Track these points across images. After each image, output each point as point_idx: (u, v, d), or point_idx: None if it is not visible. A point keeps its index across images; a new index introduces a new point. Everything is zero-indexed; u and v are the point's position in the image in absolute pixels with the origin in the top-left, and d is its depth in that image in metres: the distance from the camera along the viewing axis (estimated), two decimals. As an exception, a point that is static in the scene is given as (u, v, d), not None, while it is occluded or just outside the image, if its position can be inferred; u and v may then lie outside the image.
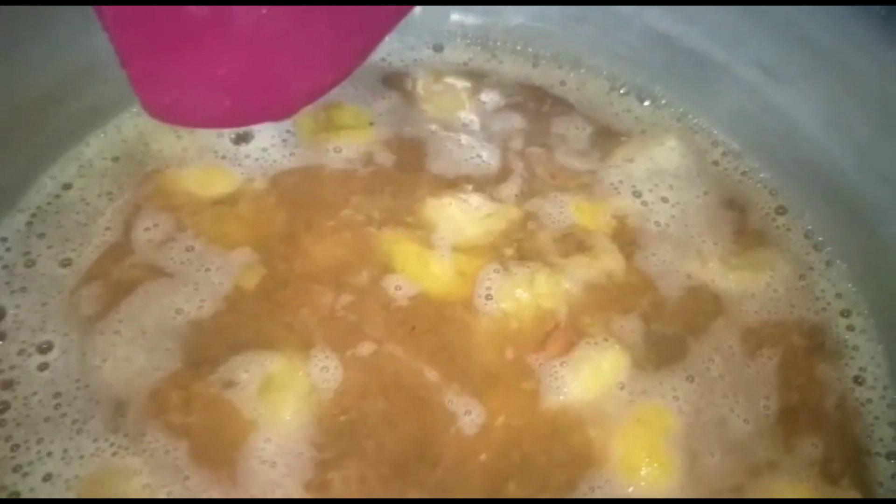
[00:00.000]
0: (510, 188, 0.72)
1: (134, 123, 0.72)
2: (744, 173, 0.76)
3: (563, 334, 0.64)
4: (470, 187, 0.71)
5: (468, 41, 0.83)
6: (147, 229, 0.67)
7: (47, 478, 0.55)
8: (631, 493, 0.58)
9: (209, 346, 0.61)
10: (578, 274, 0.67)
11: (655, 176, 0.74)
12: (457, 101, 0.78)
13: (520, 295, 0.65)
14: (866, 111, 0.67)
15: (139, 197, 0.69)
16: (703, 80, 0.76)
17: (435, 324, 0.64)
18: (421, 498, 0.57)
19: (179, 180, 0.70)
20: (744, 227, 0.72)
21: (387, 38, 0.69)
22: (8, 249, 0.65)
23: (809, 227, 0.73)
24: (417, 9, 0.73)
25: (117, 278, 0.65)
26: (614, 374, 0.63)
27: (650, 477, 0.58)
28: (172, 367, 0.60)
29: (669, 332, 0.66)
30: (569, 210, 0.71)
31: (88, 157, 0.71)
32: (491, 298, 0.65)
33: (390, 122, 0.75)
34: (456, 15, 0.83)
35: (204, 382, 0.60)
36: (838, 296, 0.69)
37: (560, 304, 0.66)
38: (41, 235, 0.66)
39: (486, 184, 0.72)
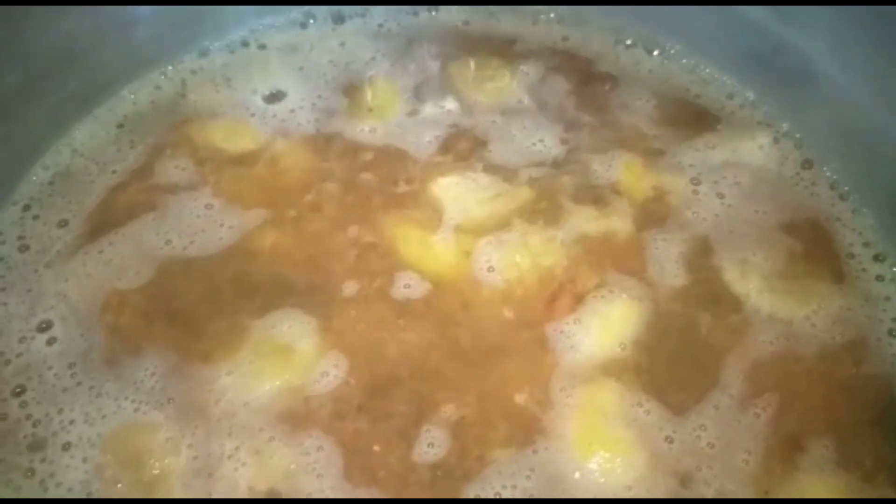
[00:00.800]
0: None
1: (171, 78, 0.74)
2: (831, 202, 0.70)
3: (567, 293, 0.63)
4: (480, 166, 0.69)
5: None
6: (174, 168, 0.69)
7: (66, 447, 0.56)
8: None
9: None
10: (578, 225, 0.66)
11: (725, 169, 0.70)
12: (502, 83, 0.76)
13: (519, 260, 0.64)
14: None
15: (167, 142, 0.70)
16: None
17: (440, 304, 0.63)
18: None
19: (208, 132, 0.71)
20: (805, 254, 0.67)
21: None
22: (3, 243, 0.65)
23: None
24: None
25: (121, 204, 0.66)
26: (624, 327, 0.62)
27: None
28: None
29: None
30: (617, 165, 0.70)
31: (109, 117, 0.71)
32: (493, 270, 0.64)
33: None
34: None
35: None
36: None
37: (559, 258, 0.64)
38: (36, 217, 0.66)
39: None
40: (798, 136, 0.72)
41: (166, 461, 0.55)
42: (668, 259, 0.65)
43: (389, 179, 0.69)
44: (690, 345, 0.62)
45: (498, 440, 0.57)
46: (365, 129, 0.72)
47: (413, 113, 0.73)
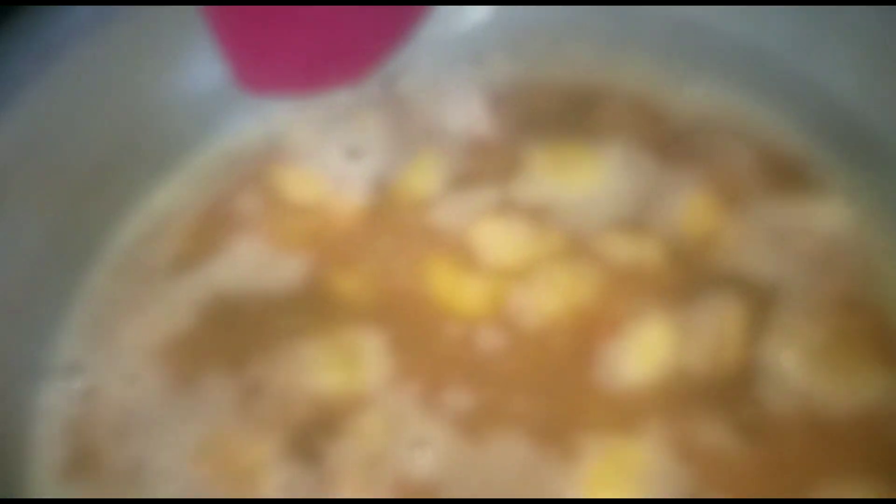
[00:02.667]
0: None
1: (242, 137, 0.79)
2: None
3: (600, 327, 0.66)
4: (519, 209, 0.72)
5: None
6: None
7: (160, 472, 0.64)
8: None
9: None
10: (606, 256, 0.68)
11: (795, 231, 0.70)
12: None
13: (550, 303, 0.67)
14: None
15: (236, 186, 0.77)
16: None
17: (479, 352, 0.66)
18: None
19: (282, 177, 0.77)
20: (861, 336, 0.65)
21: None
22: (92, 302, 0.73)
23: None
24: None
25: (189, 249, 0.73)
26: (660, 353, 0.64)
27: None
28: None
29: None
30: (685, 195, 0.71)
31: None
32: (524, 313, 0.67)
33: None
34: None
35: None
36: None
37: (588, 293, 0.67)
38: (120, 276, 0.74)
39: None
40: (880, 212, 0.70)
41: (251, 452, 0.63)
42: (698, 304, 0.67)
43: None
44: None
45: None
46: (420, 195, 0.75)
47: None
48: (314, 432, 0.64)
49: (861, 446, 0.61)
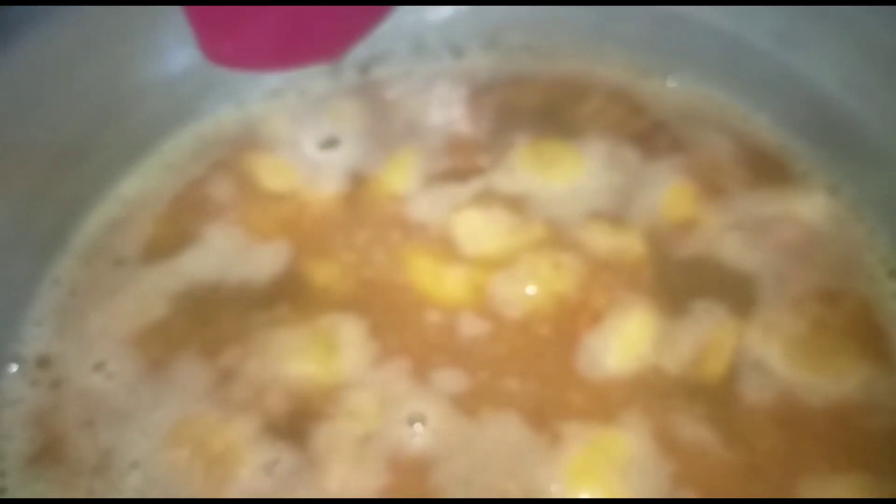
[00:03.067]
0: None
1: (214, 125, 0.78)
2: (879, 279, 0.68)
3: (582, 315, 0.66)
4: (499, 200, 0.72)
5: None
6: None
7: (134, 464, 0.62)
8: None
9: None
10: (586, 245, 0.68)
11: (773, 222, 0.71)
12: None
13: (531, 292, 0.67)
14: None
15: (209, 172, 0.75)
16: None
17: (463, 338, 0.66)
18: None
19: (256, 164, 0.76)
20: (842, 328, 0.65)
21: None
22: (60, 290, 0.71)
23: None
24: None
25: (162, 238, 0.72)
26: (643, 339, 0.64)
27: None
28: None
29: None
30: (667, 183, 0.72)
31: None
32: (508, 303, 0.67)
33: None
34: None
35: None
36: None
37: (569, 282, 0.67)
38: (88, 263, 0.72)
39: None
40: (860, 204, 0.71)
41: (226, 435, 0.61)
42: (677, 288, 0.67)
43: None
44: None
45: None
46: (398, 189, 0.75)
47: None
48: (296, 416, 0.63)
49: (841, 439, 0.61)
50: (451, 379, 0.64)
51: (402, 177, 0.74)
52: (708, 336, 0.64)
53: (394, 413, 0.62)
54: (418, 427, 0.62)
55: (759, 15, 0.73)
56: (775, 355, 0.64)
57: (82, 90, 0.70)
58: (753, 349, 0.64)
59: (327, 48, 0.74)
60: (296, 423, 0.62)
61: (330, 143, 0.77)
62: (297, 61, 0.75)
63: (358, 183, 0.74)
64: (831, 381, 0.63)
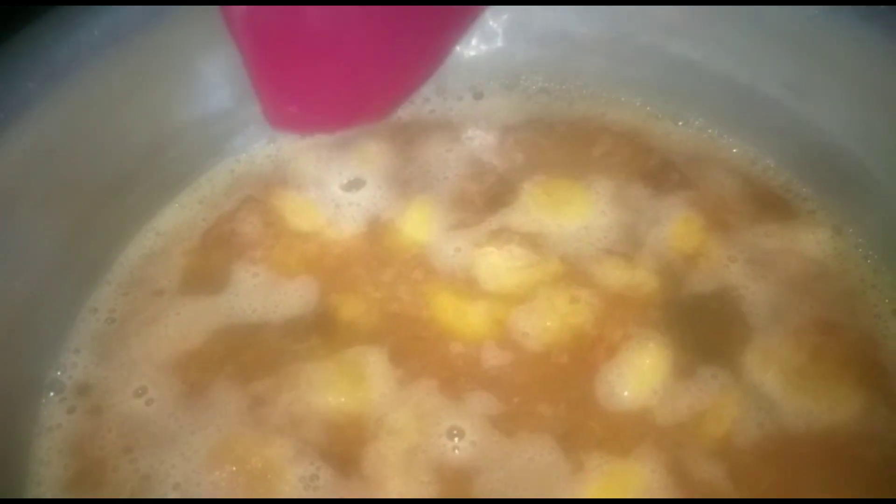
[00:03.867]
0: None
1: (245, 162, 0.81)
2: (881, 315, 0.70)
3: (598, 348, 0.69)
4: (516, 237, 0.75)
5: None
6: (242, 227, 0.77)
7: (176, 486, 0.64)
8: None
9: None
10: (602, 280, 0.71)
11: (776, 255, 0.74)
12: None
13: (550, 325, 0.70)
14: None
15: (238, 207, 0.78)
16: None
17: (488, 366, 0.68)
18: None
19: (283, 201, 0.79)
20: (839, 359, 0.68)
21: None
22: (98, 319, 0.73)
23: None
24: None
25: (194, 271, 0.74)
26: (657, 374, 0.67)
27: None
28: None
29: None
30: (677, 217, 0.75)
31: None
32: (528, 336, 0.70)
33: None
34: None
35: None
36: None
37: (586, 315, 0.70)
38: (125, 294, 0.74)
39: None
40: (864, 244, 0.74)
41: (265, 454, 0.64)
42: (685, 322, 0.70)
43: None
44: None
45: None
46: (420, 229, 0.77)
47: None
48: (334, 439, 0.66)
49: (840, 469, 0.64)
50: (483, 401, 0.67)
51: (422, 218, 0.77)
52: (711, 400, 0.67)
53: (432, 427, 0.65)
54: (457, 441, 0.65)
55: (769, 63, 0.76)
56: (772, 381, 0.67)
57: (125, 128, 0.73)
58: (754, 378, 0.67)
59: (380, 108, 0.79)
60: (335, 444, 0.65)
61: (354, 184, 0.80)
62: (353, 122, 0.81)
63: (380, 223, 0.77)
64: (827, 409, 0.66)
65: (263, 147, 0.82)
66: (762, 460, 0.64)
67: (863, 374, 0.67)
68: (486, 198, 0.79)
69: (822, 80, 0.73)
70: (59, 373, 0.70)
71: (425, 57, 0.79)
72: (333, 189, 0.80)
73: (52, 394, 0.69)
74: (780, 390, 0.66)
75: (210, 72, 0.77)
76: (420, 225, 0.77)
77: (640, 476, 0.63)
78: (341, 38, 0.72)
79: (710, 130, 0.82)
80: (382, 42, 0.73)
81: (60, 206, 0.70)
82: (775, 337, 0.69)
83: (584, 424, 0.66)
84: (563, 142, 0.82)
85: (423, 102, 0.85)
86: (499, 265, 0.74)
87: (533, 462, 0.64)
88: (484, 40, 0.85)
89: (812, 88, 0.74)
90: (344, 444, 0.65)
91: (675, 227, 0.75)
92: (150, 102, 0.74)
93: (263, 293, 0.73)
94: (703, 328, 0.70)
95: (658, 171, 0.79)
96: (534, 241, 0.75)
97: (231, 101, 0.79)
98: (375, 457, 0.65)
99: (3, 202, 0.65)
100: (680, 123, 0.83)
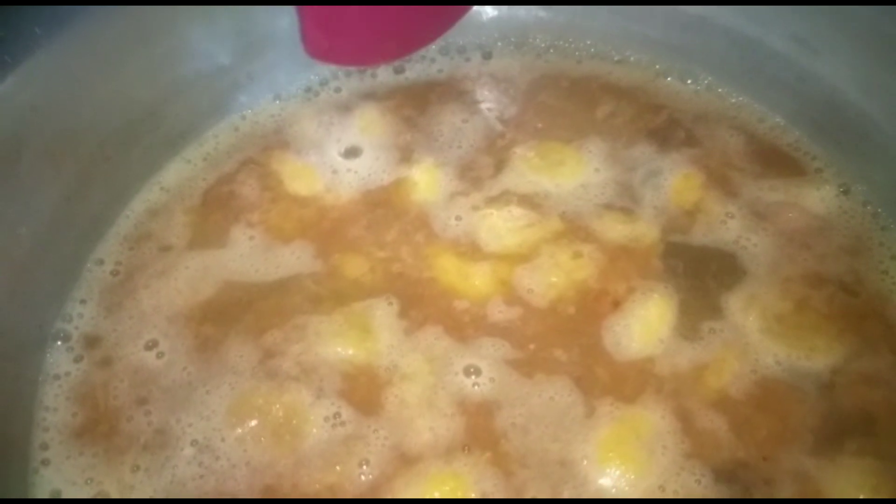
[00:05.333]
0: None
1: (251, 119, 0.81)
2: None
3: (604, 301, 0.69)
4: (515, 198, 0.75)
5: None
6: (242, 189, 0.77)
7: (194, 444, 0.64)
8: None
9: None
10: (603, 234, 0.72)
11: (778, 207, 0.74)
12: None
13: (555, 280, 0.70)
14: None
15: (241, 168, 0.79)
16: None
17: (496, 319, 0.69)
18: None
19: (282, 165, 0.79)
20: (824, 312, 0.69)
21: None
22: (105, 270, 0.73)
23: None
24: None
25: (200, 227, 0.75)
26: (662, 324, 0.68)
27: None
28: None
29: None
30: (678, 172, 0.76)
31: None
32: (533, 292, 0.70)
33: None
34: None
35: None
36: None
37: (589, 270, 0.70)
38: (132, 248, 0.74)
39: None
40: (870, 198, 0.75)
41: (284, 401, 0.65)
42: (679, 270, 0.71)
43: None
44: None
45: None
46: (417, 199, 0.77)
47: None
48: (349, 387, 0.66)
49: (816, 412, 0.65)
50: (496, 347, 0.68)
51: (424, 182, 0.78)
52: (711, 355, 0.68)
53: (446, 368, 0.67)
54: (475, 378, 0.66)
55: (778, 19, 0.77)
56: (752, 326, 0.68)
57: (130, 79, 0.73)
58: (736, 321, 0.68)
59: (409, 45, 0.81)
60: (352, 390, 0.66)
61: (352, 151, 0.80)
62: (383, 58, 0.82)
63: (379, 189, 0.78)
64: (803, 357, 0.67)
65: (268, 104, 0.83)
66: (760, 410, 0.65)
67: (843, 325, 0.68)
68: (485, 163, 0.79)
69: (833, 35, 0.74)
70: (65, 323, 0.70)
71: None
72: (332, 155, 0.80)
73: (58, 343, 0.69)
74: (758, 334, 0.68)
75: (218, 26, 0.77)
76: (421, 189, 0.77)
77: (649, 422, 0.64)
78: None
79: (719, 89, 0.83)
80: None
81: (65, 155, 0.70)
82: (763, 286, 0.70)
83: (595, 372, 0.67)
84: (570, 100, 0.83)
85: (431, 62, 0.85)
86: (500, 226, 0.75)
87: (553, 401, 0.65)
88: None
89: (823, 44, 0.75)
90: (361, 390, 0.66)
91: (676, 181, 0.76)
92: (155, 54, 0.74)
93: (260, 256, 0.74)
94: (703, 279, 0.71)
95: (664, 128, 0.80)
96: (532, 201, 0.76)
97: (235, 57, 0.79)
98: (394, 398, 0.66)
99: (8, 149, 0.65)
100: (689, 81, 0.84)
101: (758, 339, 0.68)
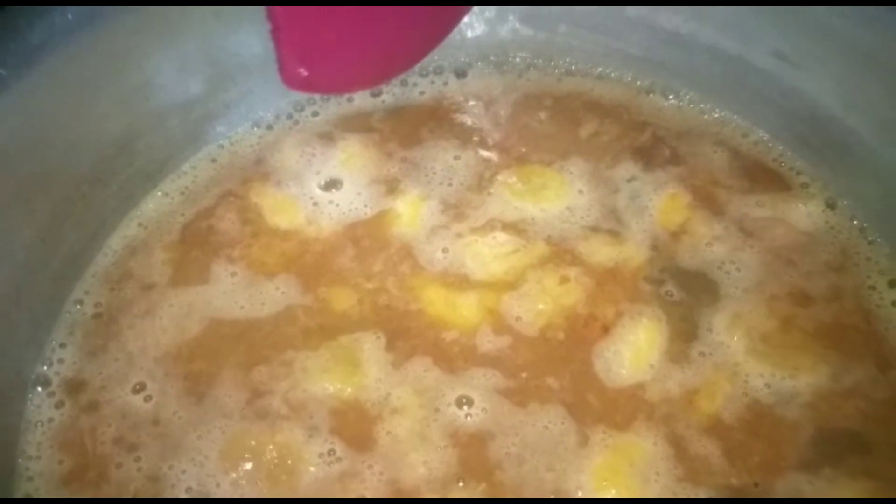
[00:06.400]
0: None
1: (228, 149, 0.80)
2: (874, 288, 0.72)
3: (593, 326, 0.69)
4: (499, 225, 0.75)
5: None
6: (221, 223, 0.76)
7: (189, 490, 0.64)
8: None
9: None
10: (589, 257, 0.72)
11: (764, 223, 0.75)
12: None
13: (543, 308, 0.70)
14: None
15: (220, 201, 0.78)
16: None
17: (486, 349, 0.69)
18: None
19: (262, 198, 0.78)
20: (811, 330, 0.69)
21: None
22: (84, 312, 0.72)
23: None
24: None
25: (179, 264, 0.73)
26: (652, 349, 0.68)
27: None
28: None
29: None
30: (664, 192, 0.76)
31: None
32: (521, 320, 0.70)
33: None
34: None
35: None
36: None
37: (577, 295, 0.70)
38: (112, 290, 0.73)
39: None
40: (857, 213, 0.75)
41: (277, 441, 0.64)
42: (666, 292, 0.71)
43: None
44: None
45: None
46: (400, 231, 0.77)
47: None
48: (339, 423, 0.66)
49: (807, 434, 0.65)
50: (487, 377, 0.68)
51: (406, 213, 0.77)
52: (702, 379, 0.68)
53: (436, 401, 0.66)
54: (468, 408, 0.66)
55: (758, 35, 0.77)
56: (738, 347, 0.68)
57: (102, 113, 0.72)
58: (722, 340, 0.69)
59: (394, 68, 0.79)
60: (343, 426, 0.66)
61: (333, 184, 0.79)
62: (366, 84, 0.81)
63: (361, 222, 0.77)
64: (788, 377, 0.67)
65: (246, 133, 0.82)
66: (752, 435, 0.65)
67: (829, 343, 0.68)
68: (469, 192, 0.78)
69: (814, 49, 0.74)
70: (44, 367, 0.69)
71: (445, 16, 0.78)
72: (312, 187, 0.79)
73: (38, 388, 0.68)
74: (744, 355, 0.68)
75: (188, 55, 0.76)
76: (404, 221, 0.77)
77: (643, 449, 0.64)
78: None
79: (701, 105, 0.83)
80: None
81: (38, 195, 0.69)
82: (748, 304, 0.70)
83: (587, 399, 0.66)
84: (552, 120, 0.83)
85: (407, 83, 0.85)
86: (485, 253, 0.74)
87: (548, 430, 0.66)
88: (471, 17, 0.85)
89: (804, 59, 0.75)
90: (353, 426, 0.66)
91: (662, 202, 0.76)
92: (125, 87, 0.73)
93: (244, 292, 0.73)
94: (690, 300, 0.71)
95: (649, 147, 0.80)
96: (517, 227, 0.76)
97: (210, 86, 0.78)
98: (386, 434, 0.66)
99: (-24, 192, 0.65)
100: (671, 98, 0.84)
101: (744, 360, 0.68)
